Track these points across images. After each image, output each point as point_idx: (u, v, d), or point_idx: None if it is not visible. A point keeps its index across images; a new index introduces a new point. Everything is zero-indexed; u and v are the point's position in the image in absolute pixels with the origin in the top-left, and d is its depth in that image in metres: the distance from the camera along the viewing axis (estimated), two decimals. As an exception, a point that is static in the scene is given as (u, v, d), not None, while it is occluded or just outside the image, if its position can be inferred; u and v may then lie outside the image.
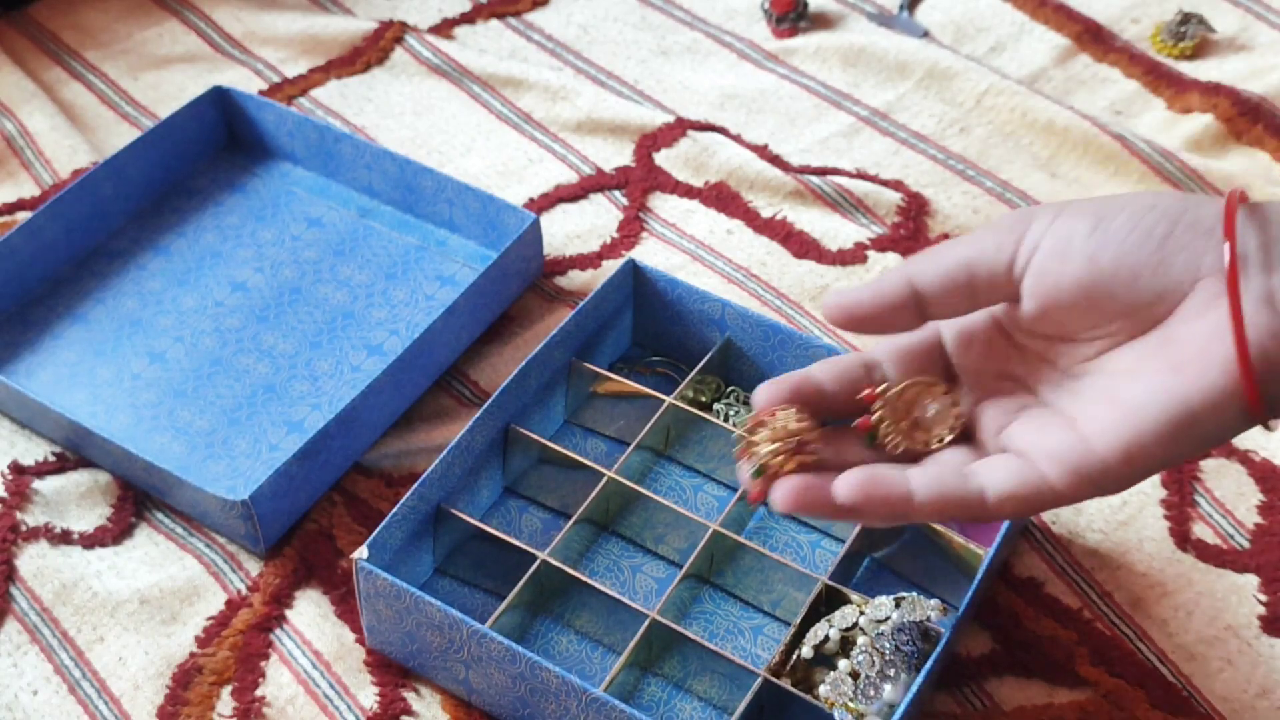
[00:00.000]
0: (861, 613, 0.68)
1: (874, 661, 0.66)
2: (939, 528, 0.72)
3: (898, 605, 0.68)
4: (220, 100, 0.96)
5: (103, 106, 1.04)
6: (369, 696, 0.72)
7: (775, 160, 0.99)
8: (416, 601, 0.67)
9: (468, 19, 1.12)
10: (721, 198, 0.97)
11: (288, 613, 0.75)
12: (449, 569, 0.76)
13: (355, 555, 0.69)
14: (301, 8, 1.12)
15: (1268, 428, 0.52)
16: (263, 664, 0.73)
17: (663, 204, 0.97)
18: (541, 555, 0.72)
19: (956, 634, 0.70)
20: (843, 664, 0.66)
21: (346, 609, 0.75)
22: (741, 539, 0.73)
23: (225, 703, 0.71)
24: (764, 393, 0.58)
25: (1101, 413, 0.54)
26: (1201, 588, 0.76)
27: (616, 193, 0.98)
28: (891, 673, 0.65)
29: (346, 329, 0.87)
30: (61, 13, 1.11)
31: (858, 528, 0.73)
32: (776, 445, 0.56)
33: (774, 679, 0.67)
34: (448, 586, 0.75)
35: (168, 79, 1.06)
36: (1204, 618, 0.75)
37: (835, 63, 1.07)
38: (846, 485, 0.55)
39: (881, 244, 0.94)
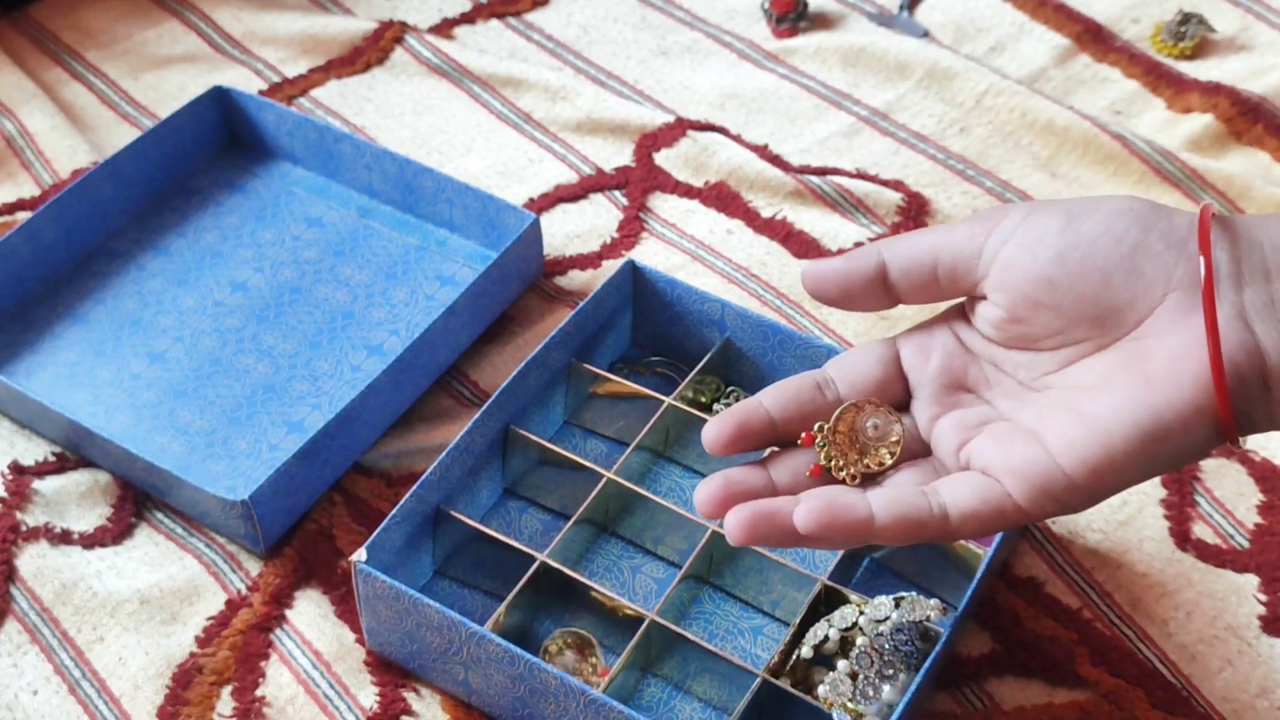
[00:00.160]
0: (861, 613, 0.68)
1: (873, 661, 0.66)
2: (939, 528, 0.72)
3: (897, 605, 0.68)
4: (220, 100, 0.96)
5: (103, 106, 1.04)
6: (369, 697, 0.72)
7: (775, 160, 0.99)
8: (416, 603, 0.67)
9: (468, 19, 1.12)
10: (721, 198, 0.97)
11: (288, 613, 0.75)
12: (448, 570, 0.76)
13: (354, 557, 0.69)
14: (301, 8, 1.12)
15: (1236, 446, 0.52)
16: (263, 664, 0.73)
17: (663, 204, 0.97)
18: (541, 556, 0.72)
19: (956, 634, 0.70)
20: (842, 664, 0.66)
21: (346, 609, 0.75)
22: (741, 539, 0.73)
23: (225, 703, 0.72)
24: (711, 434, 0.57)
25: (1067, 427, 0.53)
26: (1201, 588, 0.76)
27: (616, 193, 0.98)
28: (891, 673, 0.65)
29: (346, 329, 0.87)
30: (61, 13, 1.11)
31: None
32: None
33: (773, 679, 0.67)
34: (447, 588, 0.75)
35: (168, 79, 1.06)
36: (1204, 618, 0.75)
37: (835, 63, 1.07)
38: (805, 514, 0.53)
39: (881, 244, 0.93)
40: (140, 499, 0.80)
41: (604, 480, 0.75)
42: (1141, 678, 0.72)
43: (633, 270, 0.83)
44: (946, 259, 0.56)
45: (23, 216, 0.95)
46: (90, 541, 0.78)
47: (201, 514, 0.77)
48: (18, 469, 0.81)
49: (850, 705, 0.65)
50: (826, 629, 0.68)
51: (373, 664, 0.73)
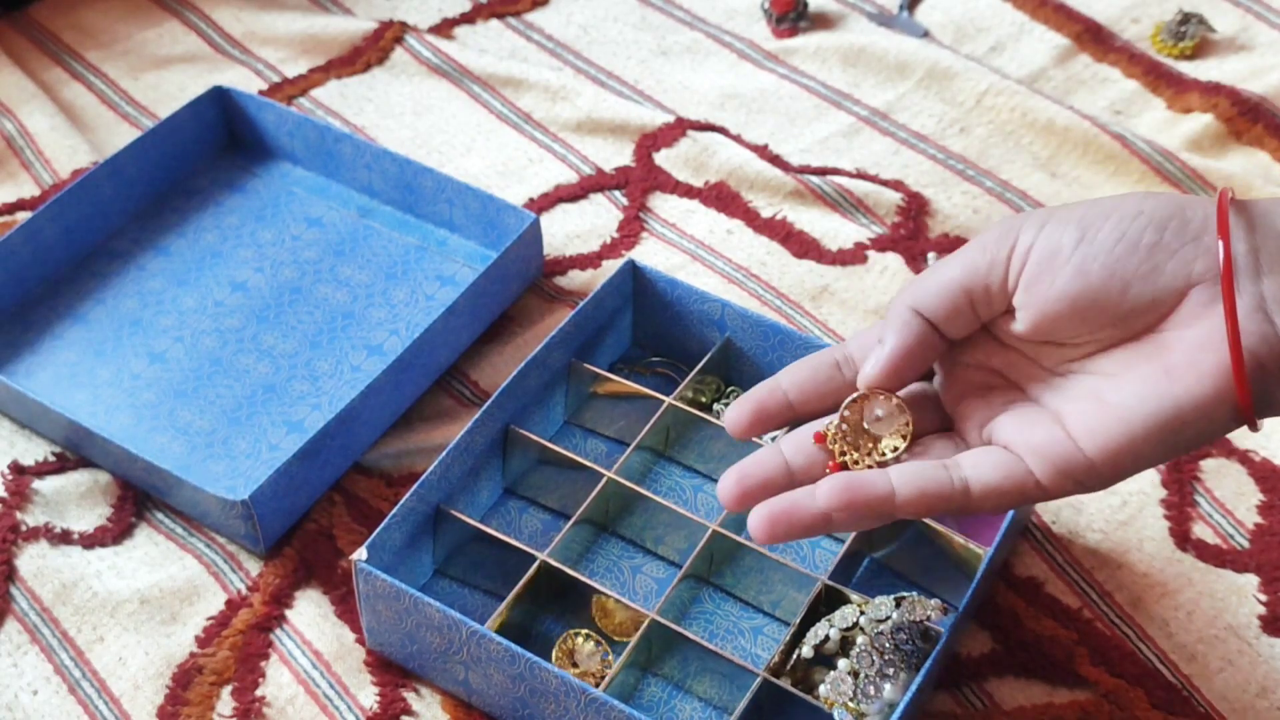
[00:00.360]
0: (861, 612, 0.68)
1: (874, 661, 0.66)
2: (939, 527, 0.72)
3: (898, 605, 0.68)
4: (220, 100, 0.96)
5: (103, 106, 1.04)
6: (369, 696, 0.72)
7: (775, 160, 0.99)
8: (416, 603, 0.67)
9: (468, 19, 1.12)
10: (721, 198, 0.97)
11: (288, 613, 0.75)
12: (449, 570, 0.76)
13: (354, 556, 0.69)
14: (301, 8, 1.12)
15: (1255, 428, 0.53)
16: (263, 664, 0.73)
17: (663, 204, 0.97)
18: (541, 556, 0.72)
19: (956, 634, 0.70)
20: (842, 664, 0.66)
21: (346, 609, 0.75)
22: (741, 539, 0.73)
23: (225, 703, 0.72)
24: (731, 418, 0.58)
25: (1089, 412, 0.54)
26: (1201, 588, 0.76)
27: (616, 193, 0.98)
28: (891, 672, 0.65)
29: (346, 329, 0.87)
30: (61, 13, 1.11)
31: (858, 528, 0.73)
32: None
33: (774, 679, 0.67)
34: (447, 587, 0.75)
35: (168, 79, 1.06)
36: (1204, 618, 0.75)
37: (835, 63, 1.07)
38: (827, 490, 0.55)
39: (881, 244, 0.94)
40: (140, 499, 0.80)
41: (604, 480, 0.75)
42: (1141, 678, 0.72)
43: (633, 270, 0.83)
44: (979, 293, 0.56)
45: (23, 216, 0.95)
46: (90, 541, 0.78)
47: (201, 514, 0.77)
48: (18, 469, 0.81)
49: (851, 705, 0.65)
50: (827, 629, 0.68)
51: (373, 664, 0.73)
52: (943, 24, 1.11)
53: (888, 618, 0.67)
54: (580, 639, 0.71)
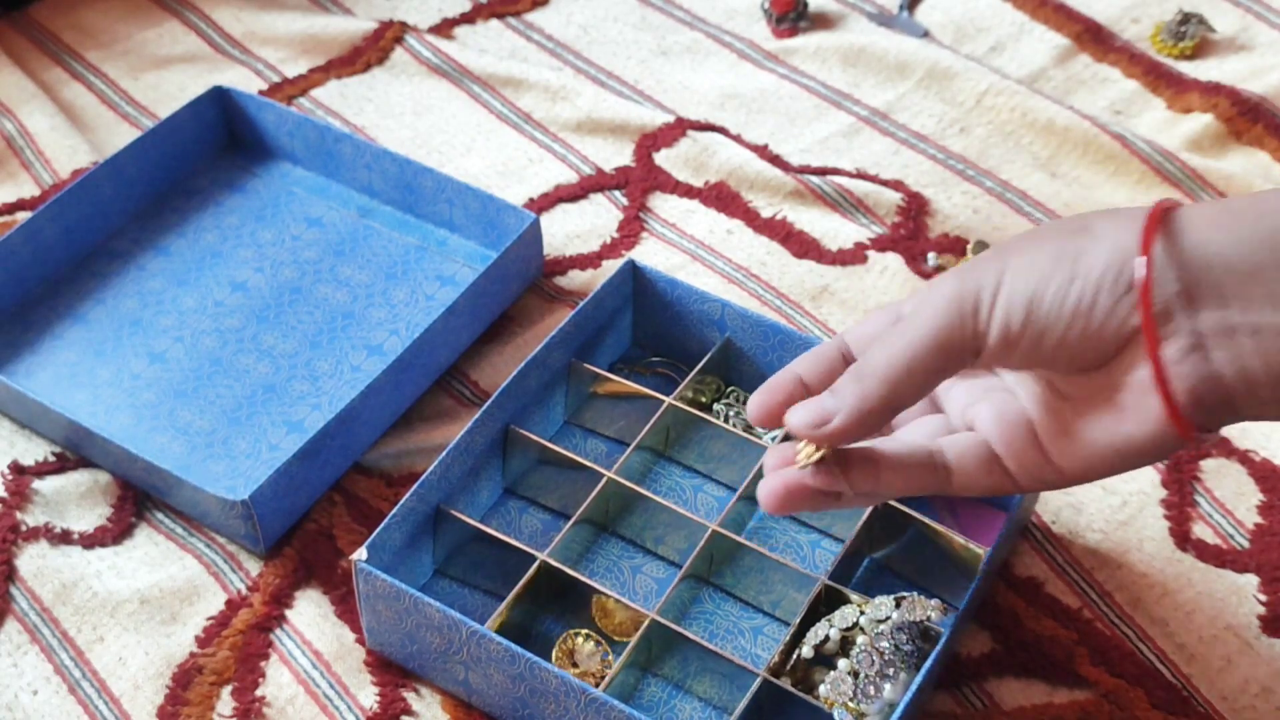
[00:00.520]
0: (861, 612, 0.68)
1: (874, 661, 0.66)
2: (939, 527, 0.72)
3: (898, 605, 0.68)
4: (220, 100, 0.96)
5: (103, 106, 1.04)
6: (369, 696, 0.72)
7: (775, 160, 0.99)
8: (416, 603, 0.67)
9: (468, 19, 1.12)
10: (721, 198, 0.97)
11: (288, 613, 0.75)
12: (449, 570, 0.76)
13: (354, 556, 0.69)
14: (301, 8, 1.12)
15: (1206, 444, 0.55)
16: (263, 664, 0.73)
17: (663, 204, 0.97)
18: (541, 556, 0.72)
19: (956, 634, 0.70)
20: (842, 664, 0.66)
21: (346, 609, 0.75)
22: (741, 539, 0.73)
23: (225, 703, 0.72)
24: (758, 403, 0.59)
25: (1055, 431, 0.57)
26: (1201, 588, 0.76)
27: (616, 193, 0.98)
28: (891, 672, 0.65)
29: (346, 329, 0.87)
30: (61, 13, 1.11)
31: (858, 526, 0.73)
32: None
33: (774, 679, 0.67)
34: (447, 587, 0.75)
35: (168, 79, 1.06)
36: (1204, 618, 0.75)
37: (835, 63, 1.07)
38: (814, 475, 0.58)
39: (881, 244, 0.94)
40: (140, 499, 0.80)
41: (604, 480, 0.75)
42: (1141, 678, 0.72)
43: (633, 270, 0.83)
44: (955, 363, 0.57)
45: (23, 216, 0.95)
46: (90, 541, 0.78)
47: (201, 514, 0.77)
48: (18, 469, 0.81)
49: (851, 705, 0.65)
50: (827, 629, 0.68)
51: (373, 664, 0.73)
52: (943, 24, 1.11)
53: (888, 618, 0.67)
54: (580, 639, 0.71)
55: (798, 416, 0.56)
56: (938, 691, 0.72)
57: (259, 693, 0.72)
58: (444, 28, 1.11)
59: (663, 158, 1.00)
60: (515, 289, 0.89)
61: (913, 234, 0.94)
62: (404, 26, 1.09)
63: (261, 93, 1.04)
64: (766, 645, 0.73)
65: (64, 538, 0.78)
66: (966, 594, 0.69)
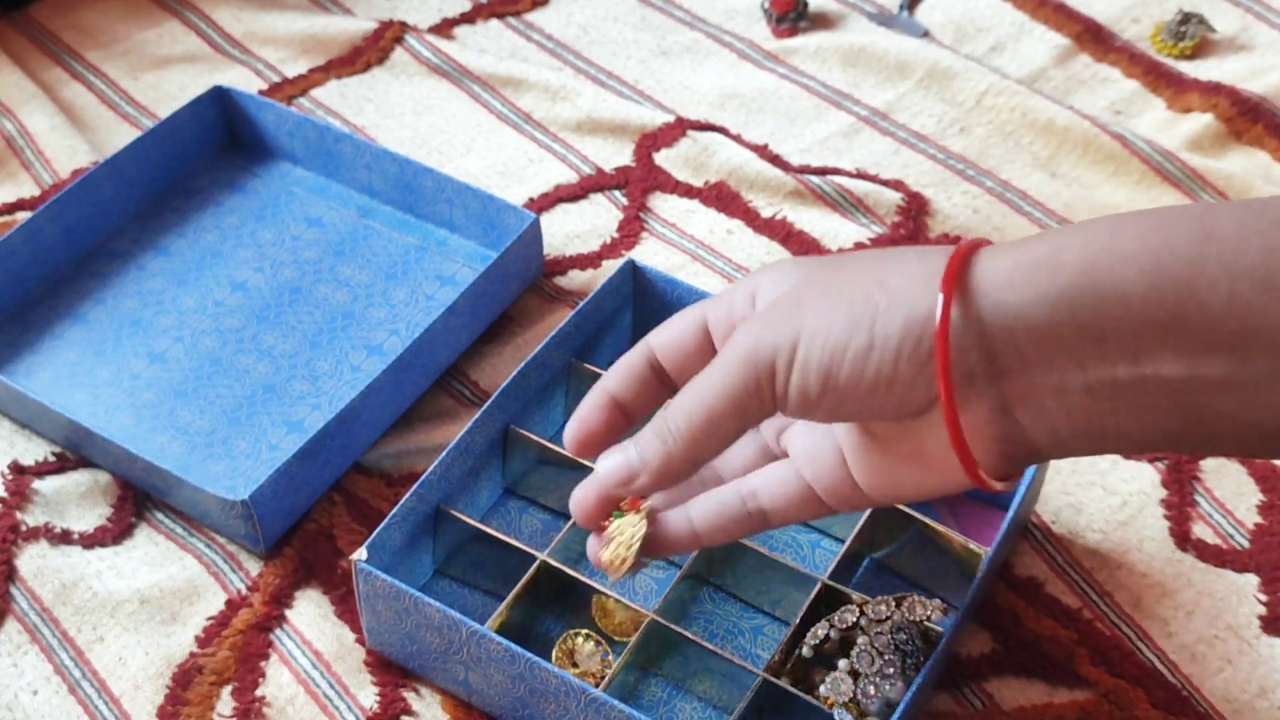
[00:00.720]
0: (861, 612, 0.68)
1: (874, 661, 0.66)
2: (939, 527, 0.72)
3: (898, 605, 0.68)
4: (220, 100, 0.97)
5: (103, 106, 1.04)
6: (369, 696, 0.72)
7: (775, 160, 0.99)
8: (416, 603, 0.67)
9: (468, 19, 1.12)
10: (721, 198, 0.97)
11: (288, 613, 0.75)
12: (449, 570, 0.76)
13: (354, 556, 0.69)
14: (301, 8, 1.12)
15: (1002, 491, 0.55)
16: (263, 664, 0.73)
17: (663, 204, 0.97)
18: (541, 556, 0.72)
19: (956, 634, 0.70)
20: (842, 663, 0.66)
21: (346, 609, 0.75)
22: (741, 539, 0.73)
23: (225, 703, 0.72)
24: (574, 433, 0.59)
25: (863, 463, 0.57)
26: (1201, 588, 0.76)
27: (616, 193, 0.98)
28: (891, 672, 0.65)
29: (346, 329, 0.87)
30: (61, 13, 1.11)
31: (858, 527, 0.73)
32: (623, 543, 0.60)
33: (774, 679, 0.67)
34: (447, 587, 0.75)
35: (168, 79, 1.06)
36: (1204, 618, 0.75)
37: (835, 63, 1.07)
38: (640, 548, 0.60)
39: (881, 244, 0.94)
40: (140, 499, 0.80)
41: (604, 480, 0.75)
42: (1141, 678, 0.72)
43: (633, 270, 0.83)
44: (752, 414, 0.56)
45: (23, 216, 0.95)
46: (90, 541, 0.78)
47: (201, 514, 0.77)
48: (18, 469, 0.81)
49: (851, 705, 0.65)
50: (827, 629, 0.68)
51: (373, 664, 0.73)
52: (943, 24, 1.11)
53: (888, 618, 0.67)
54: (580, 639, 0.71)
55: (605, 469, 0.58)
56: (938, 691, 0.72)
57: (259, 693, 0.72)
58: (444, 28, 1.11)
59: (663, 158, 1.00)
60: (515, 289, 0.89)
61: (913, 234, 0.94)
62: (404, 26, 1.09)
63: (261, 93, 1.04)
64: (766, 645, 0.73)
65: (64, 538, 0.78)
66: (966, 594, 0.69)
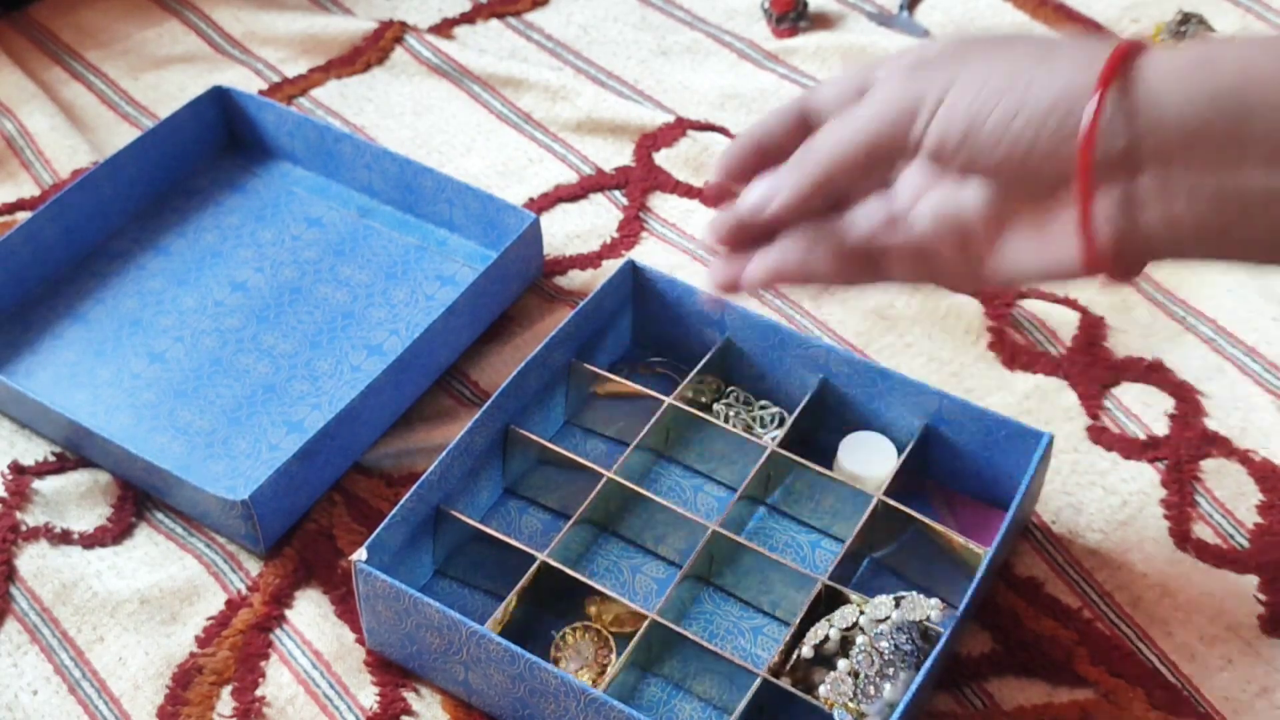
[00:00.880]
0: (861, 612, 0.68)
1: (874, 661, 0.66)
2: (939, 527, 0.72)
3: (898, 605, 0.68)
4: (220, 100, 0.97)
5: (103, 106, 1.04)
6: (369, 696, 0.72)
7: (775, 160, 0.99)
8: (416, 603, 0.67)
9: (468, 19, 1.12)
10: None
11: (288, 613, 0.75)
12: (449, 570, 0.76)
13: (354, 557, 0.69)
14: (301, 8, 1.12)
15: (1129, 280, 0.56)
16: (263, 664, 0.73)
17: (663, 204, 0.97)
18: (541, 556, 0.72)
19: (956, 634, 0.70)
20: (842, 664, 0.66)
21: (346, 609, 0.75)
22: (741, 539, 0.73)
23: (225, 703, 0.72)
24: (723, 164, 0.62)
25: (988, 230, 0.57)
26: (1201, 588, 0.76)
27: (616, 193, 0.98)
28: (891, 672, 0.65)
29: (346, 329, 0.87)
30: (61, 13, 1.11)
31: (858, 527, 0.73)
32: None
33: (774, 679, 0.67)
34: (447, 588, 0.75)
35: (168, 79, 1.06)
36: (1204, 618, 0.75)
37: (835, 63, 1.07)
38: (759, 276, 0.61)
39: (881, 244, 0.93)
40: (140, 499, 0.80)
41: (604, 480, 0.75)
42: (1141, 678, 0.72)
43: (633, 270, 0.83)
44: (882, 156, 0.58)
45: (23, 216, 0.95)
46: (90, 541, 0.78)
47: (201, 514, 0.77)
48: (18, 469, 0.81)
49: (851, 705, 0.65)
50: (827, 629, 0.68)
51: (373, 664, 0.73)
52: (943, 24, 1.11)
53: (887, 618, 0.67)
54: (580, 634, 0.71)
55: (745, 197, 0.60)
56: (938, 691, 0.72)
57: (259, 693, 0.72)
58: (444, 28, 1.11)
59: (663, 158, 1.00)
60: (515, 289, 0.89)
61: (913, 234, 0.94)
62: (404, 26, 1.09)
63: (261, 93, 1.04)
64: (766, 645, 0.73)
65: (64, 538, 0.78)
66: (966, 594, 0.69)
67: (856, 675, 0.66)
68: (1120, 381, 0.86)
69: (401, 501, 0.71)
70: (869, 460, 0.77)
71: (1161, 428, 0.83)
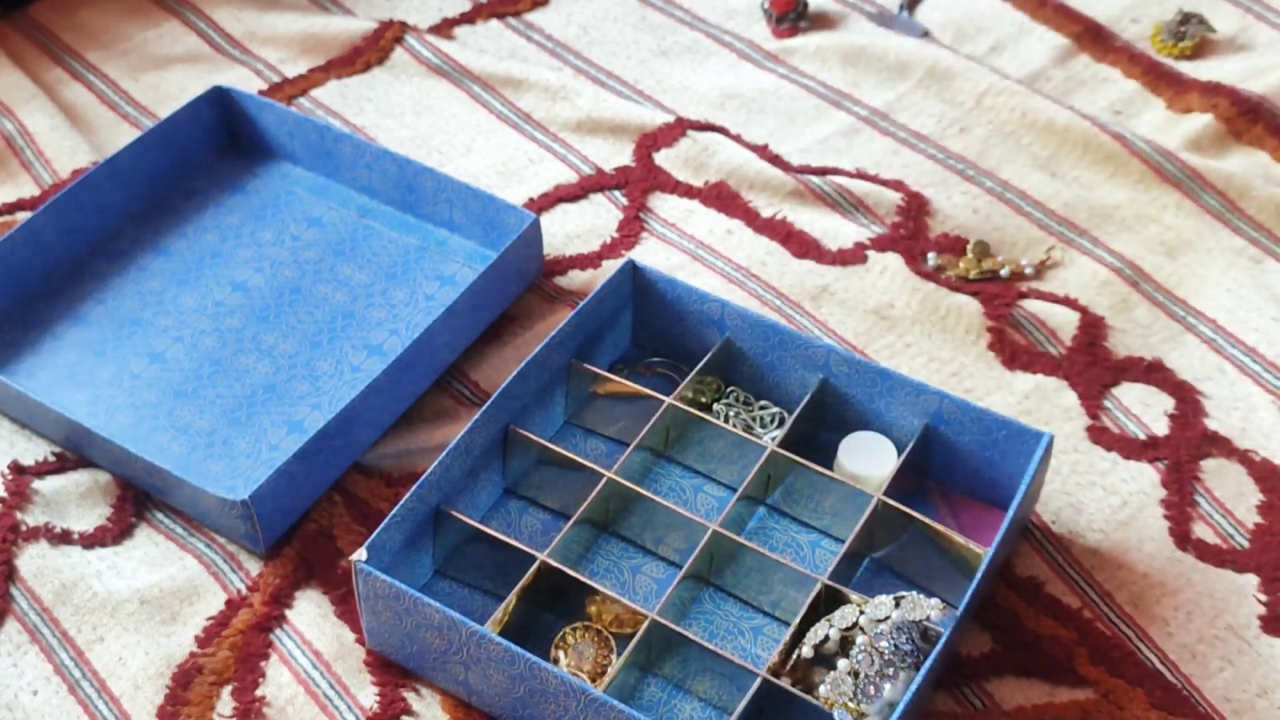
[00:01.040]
0: (861, 612, 0.68)
1: (874, 661, 0.66)
2: (939, 527, 0.72)
3: (898, 605, 0.68)
4: (220, 100, 0.96)
5: (103, 106, 1.04)
6: (369, 696, 0.72)
7: (775, 160, 0.99)
8: (416, 603, 0.67)
9: (468, 19, 1.12)
10: (721, 198, 0.97)
11: (288, 613, 0.75)
12: (449, 570, 0.76)
13: (354, 557, 0.69)
14: (301, 8, 1.12)
15: None
16: (263, 664, 0.73)
17: (663, 204, 0.97)
18: (541, 556, 0.72)
19: (956, 634, 0.70)
20: (842, 663, 0.66)
21: (346, 609, 0.75)
22: (741, 539, 0.73)
23: (225, 703, 0.72)
24: None
25: None
26: (1201, 588, 0.76)
27: (616, 193, 0.98)
28: (891, 672, 0.65)
29: (346, 329, 0.87)
30: (61, 13, 1.11)
31: (858, 527, 0.73)
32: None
33: (774, 679, 0.67)
34: (447, 588, 0.75)
35: (168, 79, 1.06)
36: (1204, 618, 0.75)
37: (835, 63, 1.07)
38: None
39: (881, 244, 0.94)
40: (140, 499, 0.80)
41: (604, 480, 0.75)
42: (1141, 678, 0.72)
43: (633, 270, 0.83)
44: None
45: (23, 216, 0.95)
46: (90, 541, 0.78)
47: (201, 514, 0.77)
48: (18, 469, 0.81)
49: (851, 704, 0.65)
50: (827, 629, 0.68)
51: (373, 664, 0.73)
52: (943, 24, 1.11)
53: (887, 618, 0.67)
54: (580, 634, 0.71)
55: None
56: (938, 691, 0.72)
57: (259, 693, 0.72)
58: (444, 28, 1.11)
59: (663, 158, 1.00)
60: (515, 289, 0.89)
61: (912, 234, 0.94)
62: (404, 26, 1.09)
63: (261, 93, 1.04)
64: (766, 645, 0.73)
65: (64, 538, 0.78)
66: (966, 594, 0.69)
67: (856, 675, 0.66)
68: (1120, 381, 0.86)
69: (401, 501, 0.71)
70: (869, 460, 0.77)
71: (1161, 428, 0.83)
